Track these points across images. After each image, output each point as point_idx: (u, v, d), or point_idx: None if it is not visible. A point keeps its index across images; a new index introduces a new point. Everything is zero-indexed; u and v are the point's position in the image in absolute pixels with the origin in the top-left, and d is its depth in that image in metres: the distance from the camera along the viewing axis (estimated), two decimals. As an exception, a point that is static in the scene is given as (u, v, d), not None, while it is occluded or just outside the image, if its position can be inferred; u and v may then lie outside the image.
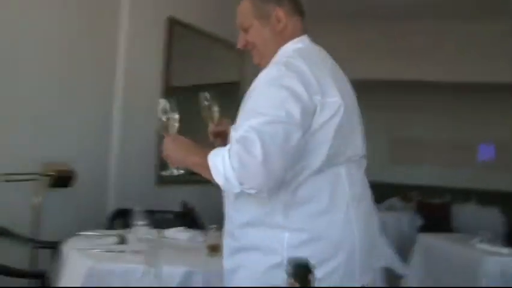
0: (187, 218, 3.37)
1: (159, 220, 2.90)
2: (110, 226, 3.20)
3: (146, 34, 3.85)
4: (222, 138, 1.78)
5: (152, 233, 2.47)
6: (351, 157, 1.55)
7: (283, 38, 1.63)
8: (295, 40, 1.63)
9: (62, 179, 3.08)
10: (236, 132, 1.39)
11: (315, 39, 1.65)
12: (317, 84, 1.45)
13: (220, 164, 1.36)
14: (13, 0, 2.98)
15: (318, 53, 1.64)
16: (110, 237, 2.41)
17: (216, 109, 1.81)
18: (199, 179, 1.54)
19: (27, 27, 3.03)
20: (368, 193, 1.61)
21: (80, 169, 3.16)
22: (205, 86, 4.25)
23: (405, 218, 5.17)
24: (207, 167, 1.41)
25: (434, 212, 5.72)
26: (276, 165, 1.35)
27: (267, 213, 1.47)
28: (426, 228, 4.90)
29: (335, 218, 1.48)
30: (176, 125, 1.65)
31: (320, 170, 1.47)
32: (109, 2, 3.62)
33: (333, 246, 1.46)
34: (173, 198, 3.76)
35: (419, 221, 5.24)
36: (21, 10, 3.00)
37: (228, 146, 1.38)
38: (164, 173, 1.70)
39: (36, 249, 2.75)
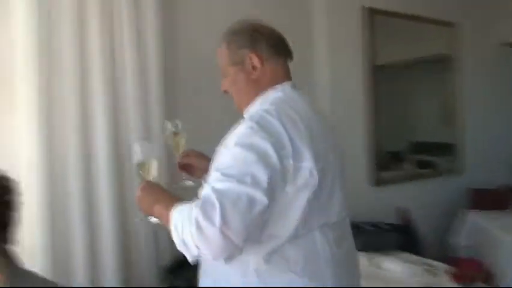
0: (405, 233, 3.09)
1: (371, 236, 2.69)
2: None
3: (344, 25, 3.70)
4: (189, 171, 1.77)
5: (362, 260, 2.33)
6: (327, 222, 1.44)
7: (260, 86, 1.52)
8: (277, 88, 1.52)
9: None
10: (201, 191, 1.31)
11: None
12: (291, 146, 1.34)
13: (180, 224, 1.30)
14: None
15: (299, 103, 1.50)
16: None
17: (183, 139, 1.70)
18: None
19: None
20: (346, 253, 1.52)
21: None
22: (412, 62, 4.16)
23: None
24: (167, 221, 1.36)
25: None
26: (235, 233, 1.25)
27: (241, 275, 1.40)
28: None
29: (311, 283, 1.40)
30: (154, 171, 1.60)
31: (293, 237, 1.39)
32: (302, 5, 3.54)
33: None
34: (390, 203, 3.56)
35: None
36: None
37: (192, 205, 1.29)
38: (139, 219, 1.65)
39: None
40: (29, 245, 2.12)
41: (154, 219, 1.55)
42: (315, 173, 1.36)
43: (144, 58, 2.47)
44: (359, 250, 2.48)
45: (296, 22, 3.47)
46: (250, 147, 1.31)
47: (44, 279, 1.47)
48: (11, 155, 2.19)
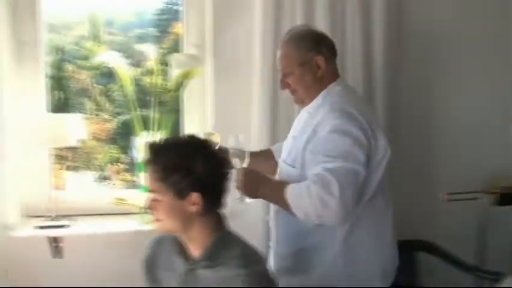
0: None
1: None
2: None
3: None
4: None
5: None
6: (385, 187, 1.82)
7: (323, 83, 1.83)
8: (334, 83, 1.84)
9: (508, 196, 2.82)
10: (312, 173, 1.63)
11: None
12: (370, 129, 1.69)
13: (300, 200, 1.62)
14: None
15: (356, 94, 1.93)
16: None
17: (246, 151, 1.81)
18: None
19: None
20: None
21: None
22: None
23: None
24: (278, 199, 1.69)
25: None
26: (350, 201, 1.59)
27: (328, 242, 1.77)
28: None
29: (382, 243, 1.83)
30: (247, 159, 1.78)
31: (371, 198, 1.75)
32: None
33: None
34: None
35: None
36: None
37: (304, 184, 1.63)
38: (238, 200, 1.77)
39: (480, 278, 2.58)
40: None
41: (248, 200, 1.77)
42: (388, 147, 1.74)
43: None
44: None
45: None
46: (344, 132, 1.65)
47: (247, 246, 1.54)
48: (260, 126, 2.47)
